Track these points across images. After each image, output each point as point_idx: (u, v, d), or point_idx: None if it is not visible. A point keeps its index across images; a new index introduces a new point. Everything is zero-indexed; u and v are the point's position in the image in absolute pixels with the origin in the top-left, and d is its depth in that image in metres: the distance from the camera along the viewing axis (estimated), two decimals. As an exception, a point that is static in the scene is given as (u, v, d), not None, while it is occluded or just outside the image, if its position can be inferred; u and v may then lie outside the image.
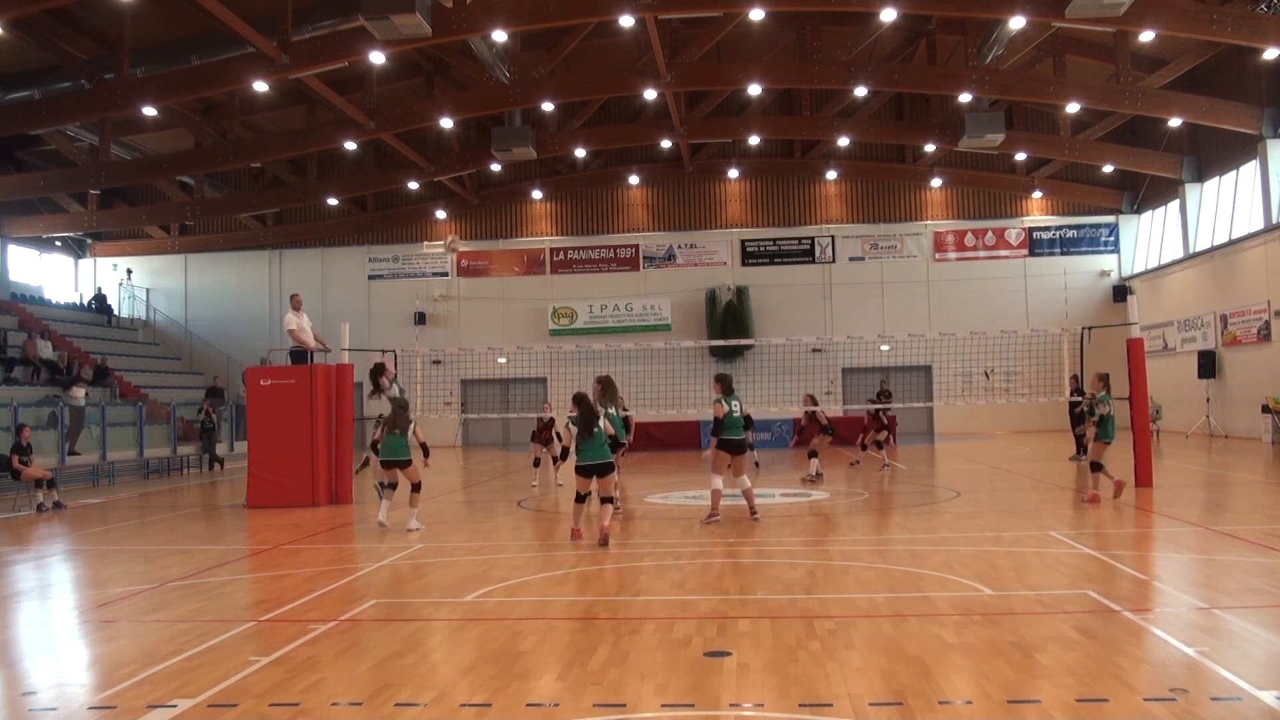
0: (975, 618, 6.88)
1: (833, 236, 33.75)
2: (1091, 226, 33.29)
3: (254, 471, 15.42)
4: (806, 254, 33.83)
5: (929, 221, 33.70)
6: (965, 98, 26.09)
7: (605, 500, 10.96)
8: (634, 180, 33.93)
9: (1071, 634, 6.35)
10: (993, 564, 8.88)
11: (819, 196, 34.08)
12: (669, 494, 15.78)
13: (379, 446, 12.70)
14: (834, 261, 33.69)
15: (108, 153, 26.74)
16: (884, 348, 30.98)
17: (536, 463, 17.66)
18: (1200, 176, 28.53)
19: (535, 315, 33.87)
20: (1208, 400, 26.68)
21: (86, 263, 35.88)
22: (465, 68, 25.70)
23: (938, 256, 33.56)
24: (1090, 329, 17.44)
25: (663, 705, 5.16)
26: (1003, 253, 33.46)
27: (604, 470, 10.75)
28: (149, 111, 24.01)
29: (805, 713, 4.99)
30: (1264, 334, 24.50)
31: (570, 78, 26.36)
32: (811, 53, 24.89)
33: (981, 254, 33.48)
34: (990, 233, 33.51)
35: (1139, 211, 32.90)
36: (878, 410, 19.70)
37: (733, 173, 33.69)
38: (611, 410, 12.36)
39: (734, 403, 11.98)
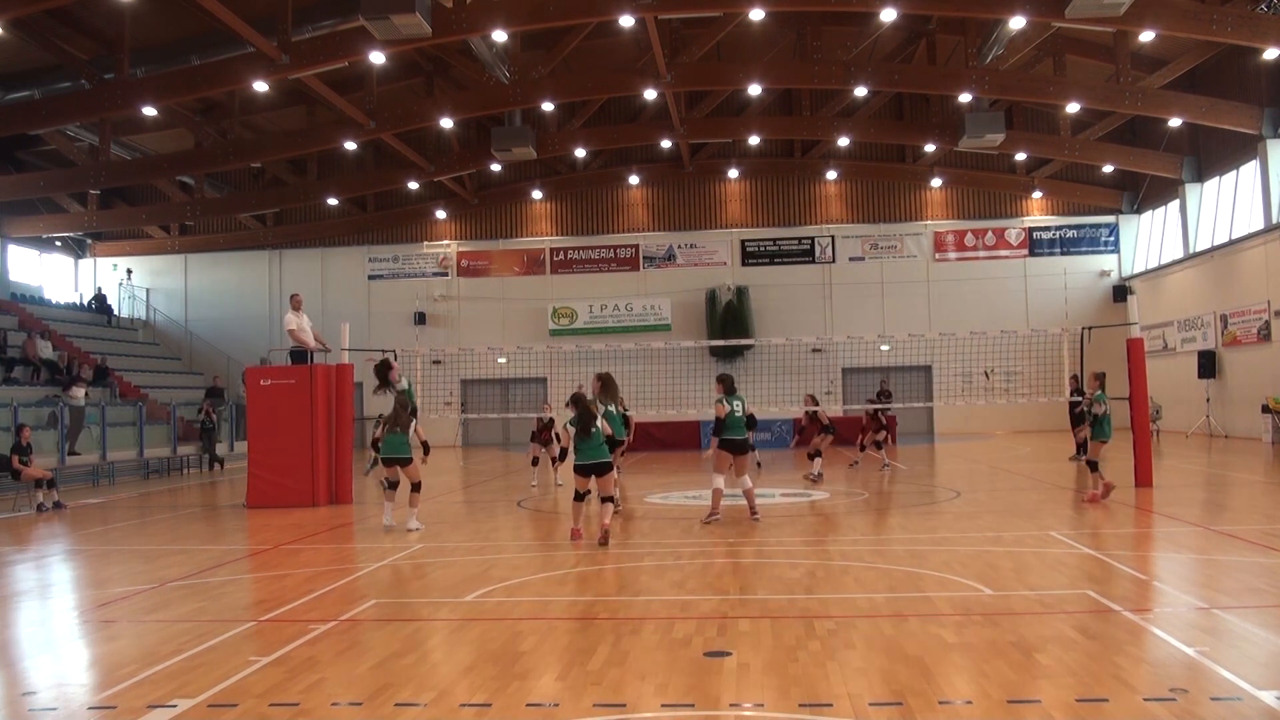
0: (975, 618, 6.88)
1: (833, 236, 33.75)
2: (1091, 226, 33.30)
3: (254, 471, 15.42)
4: (806, 254, 33.84)
5: (929, 221, 33.70)
6: (965, 98, 26.09)
7: (605, 499, 10.96)
8: (634, 180, 33.93)
9: (1071, 634, 6.35)
10: (993, 564, 8.88)
11: (819, 196, 34.08)
12: (669, 494, 15.78)
13: (379, 444, 12.69)
14: (834, 261, 33.69)
15: (108, 153, 26.75)
16: (884, 348, 30.98)
17: (535, 461, 17.65)
18: (1200, 176, 28.53)
19: (535, 315, 33.88)
20: (1208, 400, 26.68)
21: (86, 263, 35.89)
22: (465, 68, 25.69)
23: (938, 256, 33.56)
24: (1090, 329, 17.45)
25: (663, 705, 5.16)
26: (1003, 253, 33.47)
27: (602, 469, 10.75)
28: (149, 111, 24.01)
29: (805, 713, 4.99)
30: (1264, 334, 24.50)
31: (570, 78, 26.36)
32: (811, 53, 24.89)
33: (981, 254, 33.49)
34: (990, 233, 33.51)
35: (1139, 211, 32.91)
36: (876, 410, 19.71)
37: (733, 173, 33.70)
38: (611, 408, 12.35)
39: (735, 403, 11.97)
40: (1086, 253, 33.19)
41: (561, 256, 34.59)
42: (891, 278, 33.47)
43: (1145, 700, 5.02)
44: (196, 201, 31.60)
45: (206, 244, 35.58)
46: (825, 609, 7.37)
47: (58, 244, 34.73)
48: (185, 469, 24.65)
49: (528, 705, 5.23)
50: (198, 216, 33.40)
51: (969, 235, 33.55)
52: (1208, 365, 26.56)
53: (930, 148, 30.98)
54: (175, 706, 5.29)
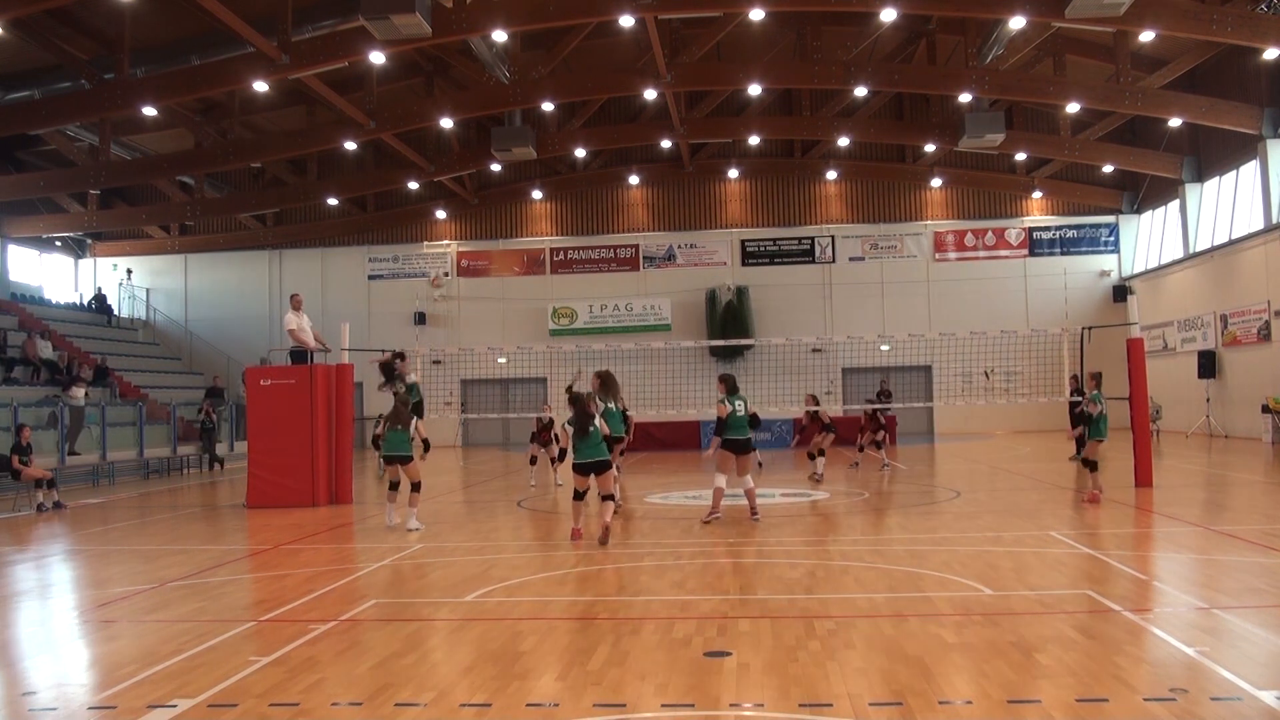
0: (975, 618, 6.87)
1: (833, 236, 33.75)
2: (1091, 226, 33.30)
3: (254, 471, 15.42)
4: (806, 254, 33.84)
5: (929, 221, 33.71)
6: (965, 98, 26.09)
7: (605, 497, 10.96)
8: (634, 180, 33.93)
9: (1071, 634, 6.35)
10: (993, 564, 8.88)
11: (819, 196, 34.09)
12: (669, 494, 15.78)
13: (380, 441, 12.67)
14: (834, 261, 33.69)
15: (108, 153, 26.75)
16: (884, 348, 30.98)
17: (533, 461, 17.66)
18: (1200, 176, 28.53)
19: (535, 315, 33.88)
20: (1208, 400, 26.68)
21: (86, 263, 35.89)
22: (465, 68, 25.70)
23: (938, 256, 33.56)
24: (1090, 329, 17.46)
25: (663, 705, 5.16)
26: (1003, 253, 33.47)
27: (601, 468, 10.75)
28: (149, 111, 24.02)
29: (805, 713, 4.99)
30: (1264, 334, 24.50)
31: (570, 78, 26.36)
32: (811, 53, 24.89)
33: (981, 254, 33.49)
34: (990, 233, 33.51)
35: (1139, 211, 32.91)
36: (875, 410, 19.70)
37: (733, 173, 33.70)
38: (611, 405, 12.35)
39: (738, 402, 11.97)
40: (1086, 253, 33.19)
41: (561, 256, 34.60)
42: (891, 278, 33.47)
43: (1145, 700, 5.02)
44: (196, 201, 31.61)
45: (206, 244, 35.58)
46: (825, 609, 7.37)
47: (58, 244, 34.73)
48: (185, 469, 24.64)
49: (528, 705, 5.23)
50: (198, 216, 33.40)
51: (969, 235, 33.55)
52: (1208, 365, 26.57)
53: (930, 148, 30.98)
54: (175, 706, 5.29)
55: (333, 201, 33.12)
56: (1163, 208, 31.17)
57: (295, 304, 16.15)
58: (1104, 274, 33.06)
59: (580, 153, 32.13)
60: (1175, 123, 27.14)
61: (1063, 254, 33.17)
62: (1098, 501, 12.92)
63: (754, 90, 27.08)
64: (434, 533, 11.92)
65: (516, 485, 18.24)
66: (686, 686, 5.44)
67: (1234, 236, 26.34)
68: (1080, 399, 16.14)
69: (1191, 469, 18.51)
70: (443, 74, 28.05)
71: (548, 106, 27.36)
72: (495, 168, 32.08)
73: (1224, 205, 27.40)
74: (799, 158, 33.60)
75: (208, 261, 35.67)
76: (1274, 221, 24.09)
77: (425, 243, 35.02)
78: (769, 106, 31.16)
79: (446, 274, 34.72)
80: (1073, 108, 26.72)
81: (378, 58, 22.17)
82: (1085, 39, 25.86)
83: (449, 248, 34.98)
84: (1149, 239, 32.21)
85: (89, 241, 35.63)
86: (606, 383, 12.94)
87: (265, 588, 8.97)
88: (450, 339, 33.48)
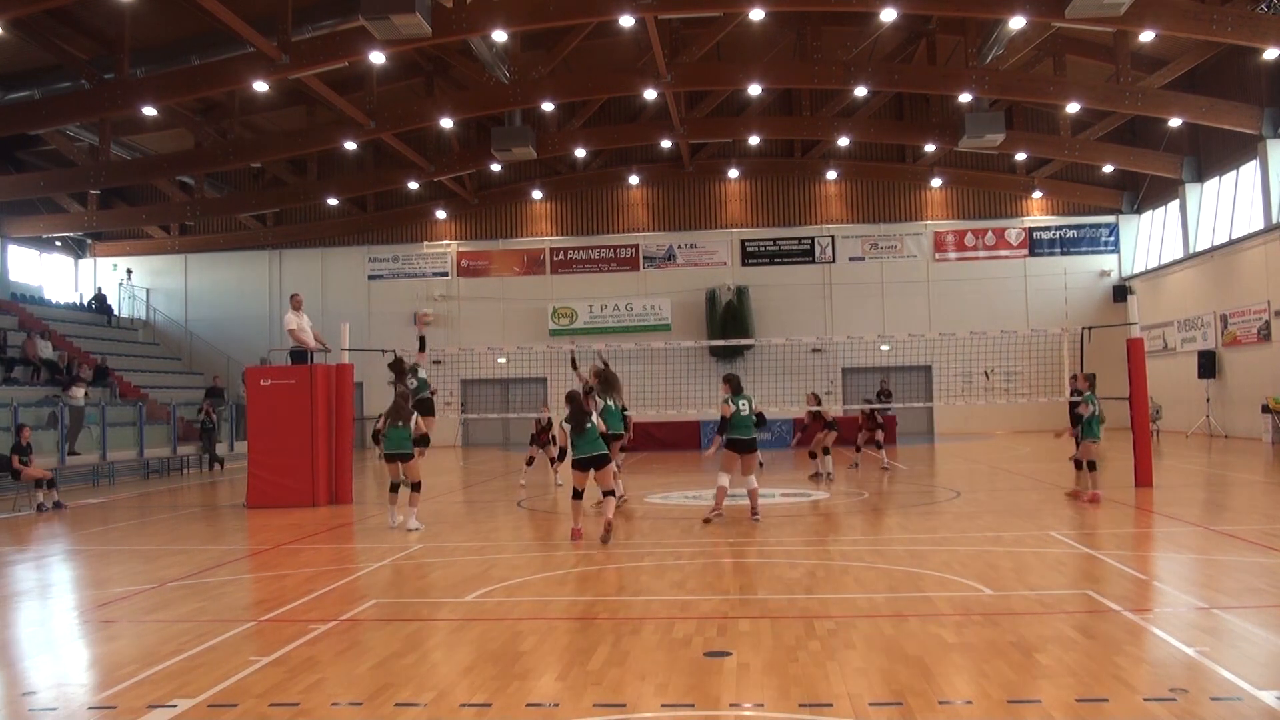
0: (975, 618, 6.88)
1: (833, 236, 33.75)
2: (1091, 226, 33.30)
3: (254, 471, 15.41)
4: (806, 254, 33.84)
5: (929, 221, 33.71)
6: (965, 98, 26.09)
7: (606, 493, 10.94)
8: (634, 180, 33.94)
9: (1071, 634, 6.35)
10: (993, 564, 8.88)
11: (819, 196, 34.09)
12: (669, 494, 15.78)
13: (380, 436, 12.64)
14: (834, 261, 33.70)
15: (108, 153, 26.75)
16: (884, 348, 30.98)
17: (529, 462, 17.70)
18: (1200, 176, 28.53)
19: (535, 315, 33.88)
20: (1208, 400, 26.68)
21: (86, 263, 35.89)
22: (465, 68, 25.70)
23: (938, 256, 33.56)
24: (1090, 329, 17.45)
25: (663, 705, 5.16)
26: (1003, 253, 33.47)
27: (599, 462, 10.74)
28: (149, 111, 24.01)
29: (805, 713, 4.99)
30: (1264, 334, 24.51)
31: (570, 78, 26.36)
32: (811, 53, 24.88)
33: (981, 254, 33.49)
34: (990, 233, 33.51)
35: (1139, 211, 32.91)
36: (872, 410, 19.69)
37: (733, 173, 33.70)
38: (610, 403, 12.34)
39: (742, 402, 11.98)
40: (1086, 253, 33.20)
41: (561, 256, 34.60)
42: (891, 278, 33.48)
43: (1145, 700, 5.03)
44: (196, 201, 31.60)
45: (206, 244, 35.58)
46: (825, 609, 7.37)
47: (58, 244, 34.73)
48: (185, 469, 24.64)
49: (528, 705, 5.23)
50: (198, 216, 33.40)
51: (969, 235, 33.56)
52: (1208, 365, 26.57)
53: (930, 148, 30.99)
54: (175, 706, 5.29)
55: (333, 201, 33.12)
56: (1163, 208, 31.17)
57: (295, 304, 16.15)
58: (1104, 274, 33.06)
59: (580, 153, 32.13)
60: (1175, 123, 27.14)
61: (1063, 254, 33.17)
62: (1097, 502, 12.92)
63: (754, 90, 27.08)
64: (434, 533, 11.92)
65: (516, 485, 18.24)
66: (686, 686, 5.44)
67: (1234, 236, 26.34)
68: (1080, 399, 16.15)
69: (1191, 469, 18.51)
70: (443, 74, 28.05)
71: (548, 106, 27.36)
72: (495, 168, 32.08)
73: (1224, 205, 27.40)
74: (799, 158, 33.60)
75: (208, 261, 35.67)
76: (1274, 221, 24.09)
77: (425, 243, 35.02)
78: (769, 106, 31.16)
79: (441, 295, 34.67)
80: (1073, 108, 26.72)
81: (378, 58, 22.17)
82: (1085, 39, 25.86)
83: (449, 248, 34.98)
84: (1149, 239, 32.21)
85: (89, 241, 35.63)
86: (607, 380, 12.93)
87: (265, 588, 8.97)
88: (450, 339, 33.47)
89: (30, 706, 5.48)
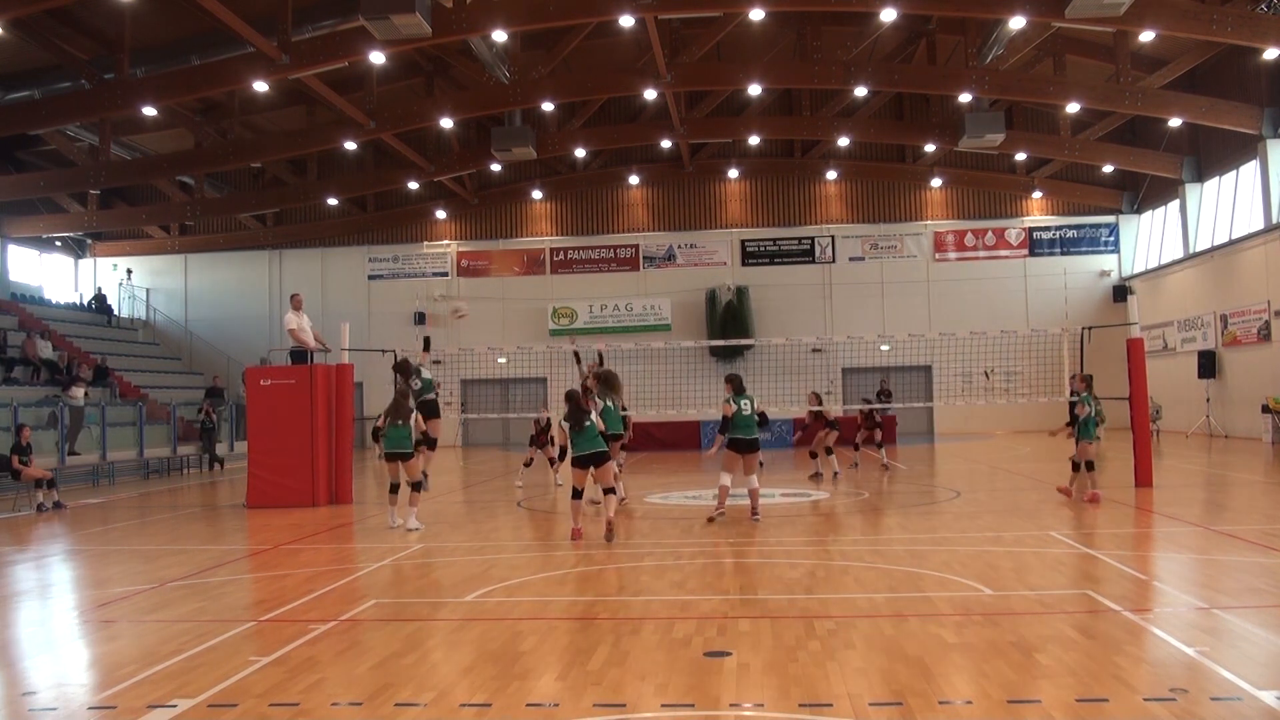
0: (975, 618, 6.87)
1: (833, 236, 33.75)
2: (1091, 226, 33.30)
3: (254, 471, 15.41)
4: (806, 254, 33.84)
5: (929, 221, 33.71)
6: (965, 98, 26.09)
7: (607, 491, 10.93)
8: (634, 180, 33.94)
9: (1071, 634, 6.35)
10: (993, 564, 8.88)
11: (819, 196, 34.09)
12: (669, 494, 15.78)
13: (379, 433, 12.61)
14: (834, 261, 33.70)
15: (108, 153, 26.75)
16: (884, 348, 30.98)
17: (528, 463, 17.72)
18: (1200, 176, 28.53)
19: (535, 315, 33.88)
20: (1208, 400, 26.68)
21: (86, 263, 35.89)
22: (465, 68, 25.70)
23: (938, 256, 33.56)
24: (1090, 329, 17.44)
25: (663, 705, 5.16)
26: (1003, 253, 33.47)
27: (599, 459, 10.74)
28: (149, 111, 24.01)
29: (805, 713, 4.99)
30: (1264, 334, 24.51)
31: (570, 78, 26.37)
32: (811, 53, 24.88)
33: (981, 254, 33.49)
34: (990, 233, 33.51)
35: (1139, 211, 32.91)
36: (870, 410, 19.70)
37: (733, 173, 33.70)
38: (609, 404, 12.35)
39: (744, 402, 11.99)
40: (1086, 253, 33.20)
41: (561, 256, 34.60)
42: (891, 278, 33.48)
43: (1145, 700, 5.03)
44: (196, 201, 31.60)
45: (206, 244, 35.58)
46: (825, 609, 7.37)
47: (58, 244, 34.73)
48: (185, 469, 24.64)
49: (528, 705, 5.23)
50: (198, 216, 33.39)
51: (969, 235, 33.56)
52: (1208, 365, 26.57)
53: (930, 148, 30.98)
54: (175, 706, 5.29)
55: (333, 201, 33.12)
56: (1163, 208, 31.17)
57: (295, 304, 16.15)
58: (1104, 274, 33.06)
59: (580, 153, 32.13)
60: (1175, 123, 27.14)
61: (1063, 254, 33.17)
62: (1097, 501, 12.93)
63: (754, 90, 27.08)
64: (434, 533, 11.91)
65: (514, 487, 18.24)
66: (686, 686, 5.44)
67: (1234, 236, 26.34)
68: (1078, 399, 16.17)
69: (1191, 469, 18.51)
70: (443, 74, 28.05)
71: (548, 106, 27.36)
72: (495, 168, 32.08)
73: (1224, 205, 27.40)
74: (799, 158, 33.60)
75: (208, 261, 35.67)
76: (1274, 221, 24.09)
77: (425, 243, 35.03)
78: (769, 106, 31.16)
79: (441, 295, 34.68)
80: (1073, 108, 26.72)
81: (378, 58, 22.17)
82: (1085, 39, 25.86)
83: (449, 248, 34.98)
84: (1149, 239, 32.21)
85: (89, 241, 35.63)
86: (607, 380, 12.94)
87: (265, 588, 8.97)
88: (450, 339, 33.43)
89: (30, 706, 5.48)
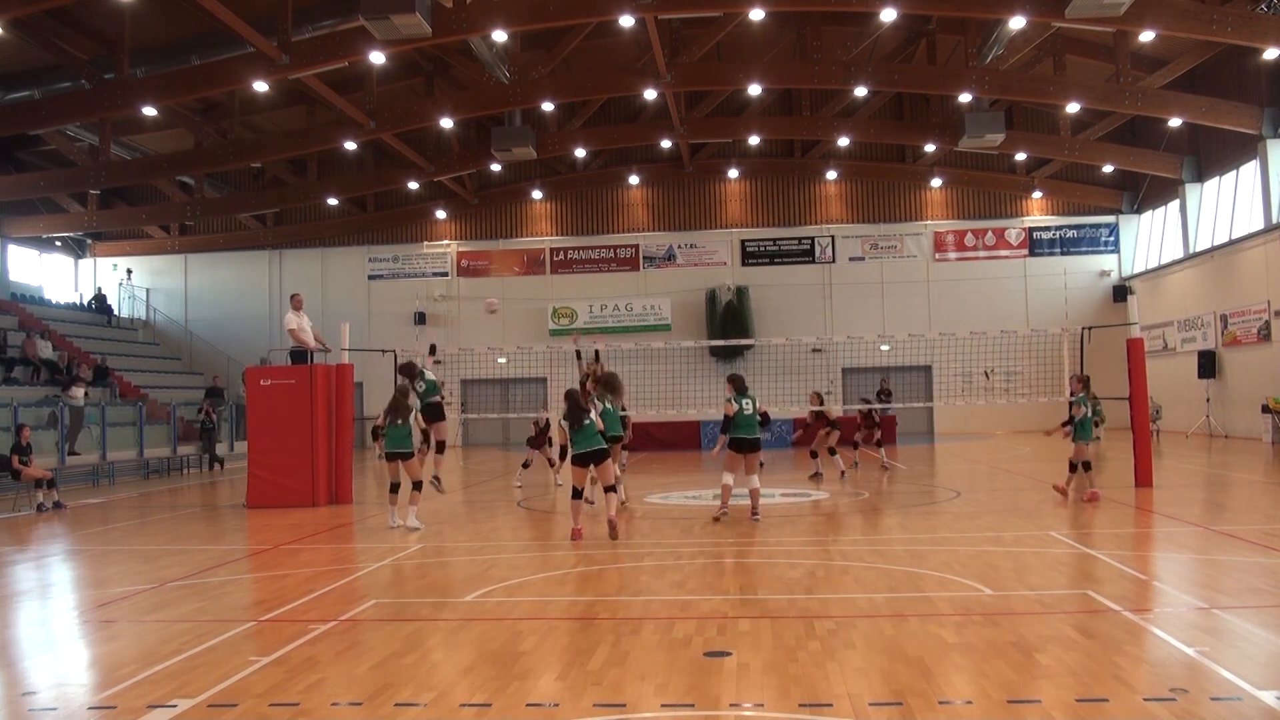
0: (975, 618, 6.87)
1: (833, 236, 33.75)
2: (1091, 226, 33.30)
3: (254, 471, 15.41)
4: (806, 254, 33.85)
5: (929, 221, 33.71)
6: (965, 98, 26.10)
7: (609, 489, 10.92)
8: (634, 180, 33.94)
9: (1071, 634, 6.35)
10: (993, 564, 8.88)
11: (819, 196, 34.09)
12: (669, 494, 15.79)
13: (379, 432, 12.60)
14: (834, 261, 33.70)
15: (108, 153, 26.75)
16: (884, 348, 30.98)
17: (526, 464, 17.72)
18: (1200, 176, 28.53)
19: (535, 315, 33.88)
20: (1208, 400, 26.68)
21: (86, 263, 35.89)
22: (465, 68, 25.70)
23: (938, 256, 33.56)
24: (1090, 329, 17.45)
25: (663, 705, 5.16)
26: (1003, 253, 33.47)
27: (599, 457, 10.73)
28: (149, 111, 24.02)
29: (805, 713, 4.99)
30: (1264, 334, 24.50)
31: (570, 78, 26.37)
32: (811, 53, 24.88)
33: (981, 254, 33.49)
34: (990, 233, 33.51)
35: (1139, 211, 32.91)
36: (869, 410, 19.71)
37: (733, 173, 33.70)
38: (608, 406, 12.36)
39: (745, 401, 12.00)
40: (1086, 253, 33.20)
41: (561, 256, 34.60)
42: (891, 278, 33.48)
43: (1145, 700, 5.02)
44: (196, 201, 31.61)
45: (206, 244, 35.58)
46: (825, 609, 7.37)
47: (58, 244, 34.73)
48: (185, 469, 24.64)
49: (528, 705, 5.22)
50: (198, 216, 33.40)
51: (969, 235, 33.56)
52: (1208, 365, 26.57)
53: (930, 148, 30.98)
54: (175, 706, 5.29)
55: (333, 201, 33.12)
56: (1163, 208, 31.17)
57: (295, 304, 16.15)
58: (1104, 274, 33.06)
59: (580, 153, 32.13)
60: (1175, 123, 27.14)
61: (1063, 254, 33.17)
62: (1096, 500, 12.93)
63: (754, 90, 27.08)
64: (434, 533, 11.92)
65: (512, 488, 18.24)
66: (686, 686, 5.44)
67: (1234, 236, 26.34)
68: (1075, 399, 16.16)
69: (1191, 469, 18.51)
70: (443, 74, 28.05)
71: (548, 106, 27.36)
72: (495, 168, 32.08)
73: (1224, 205, 27.40)
74: (799, 158, 33.60)
75: (208, 261, 35.67)
76: (1274, 221, 24.09)
77: (425, 243, 35.02)
78: (769, 106, 31.16)
79: (441, 295, 34.68)
80: (1073, 108, 26.72)
81: (378, 58, 22.17)
82: (1085, 39, 25.86)
83: (449, 248, 34.98)
84: (1149, 239, 32.21)
85: (89, 241, 35.63)
86: (609, 382, 12.94)
87: (265, 588, 8.97)
88: (450, 339, 33.45)
89: (30, 706, 5.48)
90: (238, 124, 28.86)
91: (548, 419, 17.88)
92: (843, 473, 17.28)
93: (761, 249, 33.95)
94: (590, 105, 29.18)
